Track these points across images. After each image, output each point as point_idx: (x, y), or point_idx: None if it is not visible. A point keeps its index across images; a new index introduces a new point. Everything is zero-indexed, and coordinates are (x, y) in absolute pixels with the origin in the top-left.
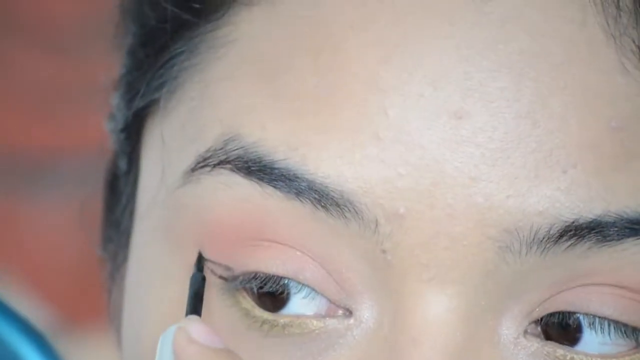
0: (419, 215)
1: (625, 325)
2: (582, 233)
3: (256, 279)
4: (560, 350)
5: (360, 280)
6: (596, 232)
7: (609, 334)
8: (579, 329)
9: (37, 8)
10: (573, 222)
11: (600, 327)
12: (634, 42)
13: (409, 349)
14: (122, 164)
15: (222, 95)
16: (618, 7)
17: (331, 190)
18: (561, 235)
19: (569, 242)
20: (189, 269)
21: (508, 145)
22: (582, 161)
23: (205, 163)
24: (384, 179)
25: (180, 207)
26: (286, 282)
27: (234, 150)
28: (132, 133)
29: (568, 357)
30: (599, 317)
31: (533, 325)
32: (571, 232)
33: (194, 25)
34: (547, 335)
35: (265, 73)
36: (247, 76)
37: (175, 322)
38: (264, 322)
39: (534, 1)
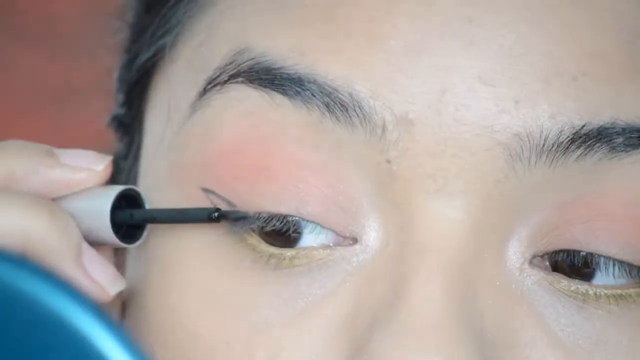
0: (427, 121)
1: (630, 264)
2: (590, 142)
3: (259, 218)
4: (564, 281)
5: (365, 199)
6: (605, 142)
7: (613, 272)
8: (584, 266)
9: (36, 8)
10: (582, 128)
11: (605, 266)
12: None
13: (415, 261)
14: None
15: (230, 20)
16: None
17: (340, 93)
18: (571, 143)
19: (578, 152)
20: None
21: (518, 51)
22: (592, 69)
23: (215, 82)
24: (393, 82)
25: (184, 141)
26: (290, 219)
27: (245, 62)
28: (134, 97)
29: (572, 288)
30: (604, 257)
31: (539, 258)
32: (580, 140)
33: None
34: (553, 269)
35: None
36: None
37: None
38: (270, 256)
39: None
